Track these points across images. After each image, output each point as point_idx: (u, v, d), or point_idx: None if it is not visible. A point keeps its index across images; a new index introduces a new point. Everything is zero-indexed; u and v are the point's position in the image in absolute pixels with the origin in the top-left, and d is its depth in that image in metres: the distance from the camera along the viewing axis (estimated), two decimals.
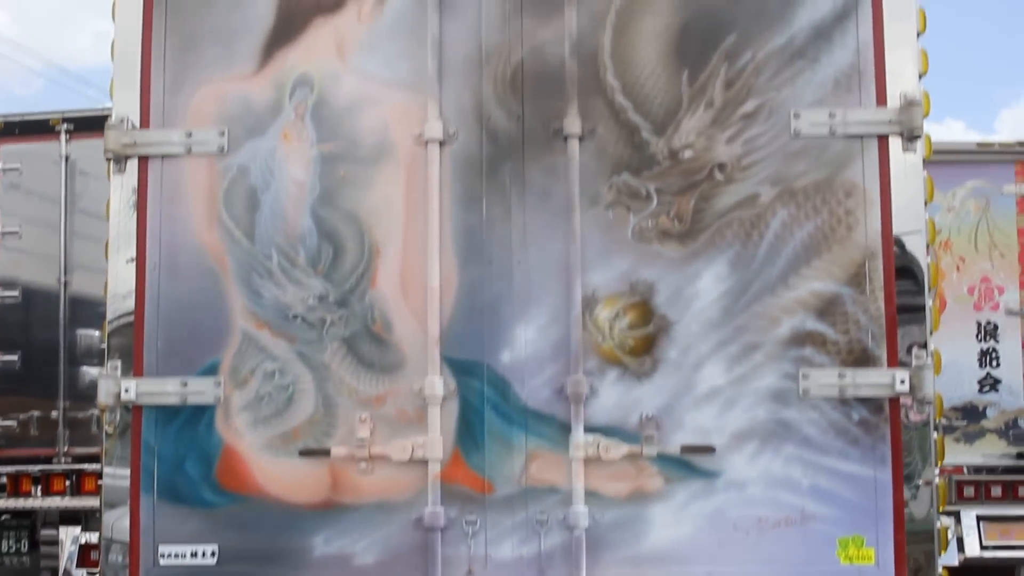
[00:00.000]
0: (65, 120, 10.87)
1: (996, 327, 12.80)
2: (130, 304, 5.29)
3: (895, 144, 5.02)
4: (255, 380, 5.24)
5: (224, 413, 5.23)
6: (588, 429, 5.02)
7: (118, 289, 5.32)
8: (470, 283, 5.14)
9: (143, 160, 5.32)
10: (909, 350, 4.98)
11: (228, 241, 5.28)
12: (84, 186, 10.98)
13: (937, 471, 4.99)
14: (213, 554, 5.15)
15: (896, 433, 4.93)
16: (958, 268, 12.82)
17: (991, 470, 12.81)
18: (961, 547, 12.74)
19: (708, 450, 4.97)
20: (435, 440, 5.06)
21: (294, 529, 5.16)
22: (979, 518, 12.55)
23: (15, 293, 10.90)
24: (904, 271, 5.02)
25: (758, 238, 5.04)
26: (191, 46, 5.38)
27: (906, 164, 5.03)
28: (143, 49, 5.37)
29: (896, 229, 5.00)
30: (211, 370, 5.26)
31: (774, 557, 4.93)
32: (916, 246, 5.04)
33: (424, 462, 5.08)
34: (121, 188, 5.33)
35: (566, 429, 5.03)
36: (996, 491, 12.64)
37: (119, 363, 5.24)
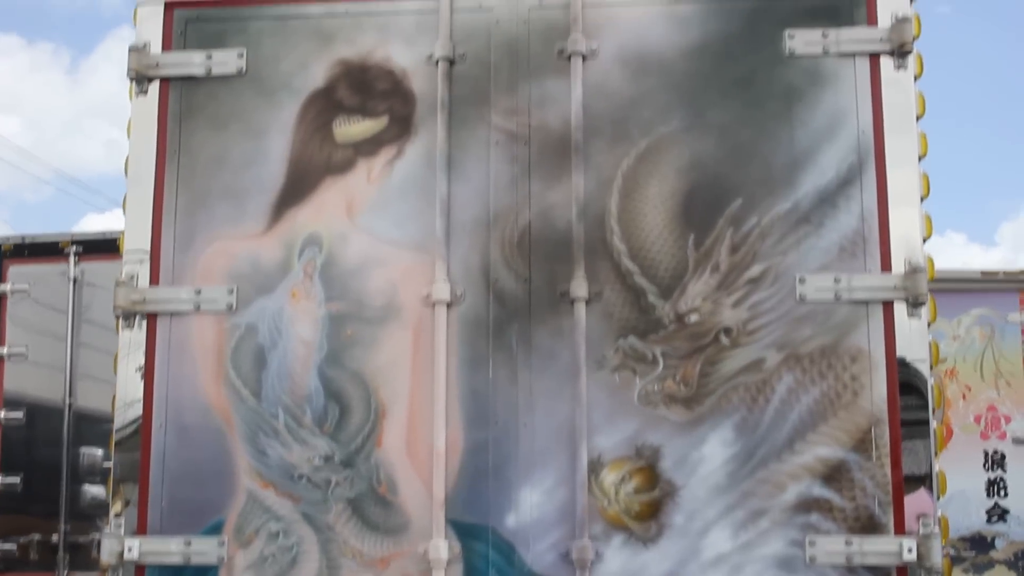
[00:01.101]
0: (74, 242, 10.92)
1: (1003, 456, 12.74)
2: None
3: (900, 310, 5.04)
4: (259, 540, 5.20)
5: (227, 573, 5.20)
6: None
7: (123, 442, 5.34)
8: (476, 445, 5.13)
9: (151, 317, 5.36)
10: (917, 517, 4.94)
11: (235, 399, 5.28)
12: (92, 297, 11.01)
13: None
14: None
15: None
16: (964, 396, 12.79)
17: None
18: None
19: None
20: None
21: None
22: None
23: (19, 414, 10.84)
24: (912, 438, 5.01)
25: (764, 403, 5.02)
26: (202, 203, 5.44)
27: (911, 330, 5.03)
28: (155, 205, 5.44)
29: (902, 395, 5.00)
30: (215, 529, 5.23)
31: None
32: (922, 411, 5.03)
33: None
34: (129, 345, 5.36)
35: None
36: None
37: (123, 521, 5.24)
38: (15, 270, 11.13)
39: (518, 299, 5.22)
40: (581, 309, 5.11)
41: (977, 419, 12.78)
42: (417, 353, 5.21)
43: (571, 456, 5.04)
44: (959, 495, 12.79)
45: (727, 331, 5.09)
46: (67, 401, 10.83)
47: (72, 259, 10.94)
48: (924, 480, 5.02)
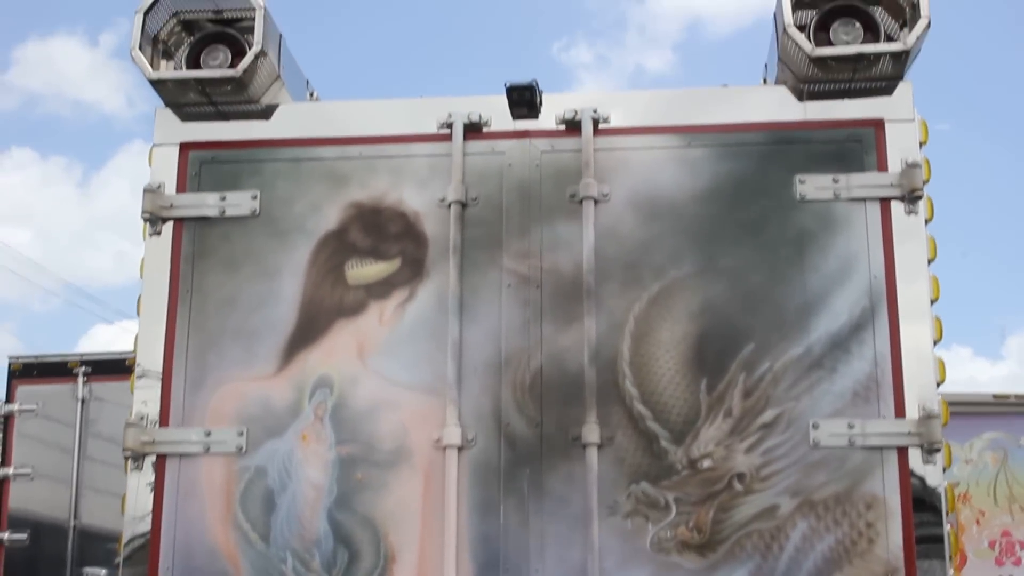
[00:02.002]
0: (83, 363, 10.97)
1: None
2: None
3: (915, 456, 5.01)
4: None
5: None
6: None
7: None
8: None
9: (161, 459, 5.33)
10: None
11: (243, 543, 5.24)
12: (99, 412, 11.03)
13: None
14: None
15: None
16: (978, 522, 12.71)
17: None
18: None
19: None
20: None
21: None
22: None
23: (23, 536, 10.83)
24: None
25: (779, 550, 4.98)
26: (213, 344, 5.45)
27: (926, 477, 4.99)
28: (166, 345, 5.44)
29: (917, 544, 4.94)
30: None
31: None
32: (937, 560, 4.97)
33: None
34: (138, 486, 5.33)
35: None
36: None
37: None
38: (24, 390, 11.22)
39: (530, 443, 5.19)
40: (593, 454, 5.08)
41: (992, 544, 12.69)
42: (427, 497, 5.18)
43: None
44: None
45: (740, 477, 5.05)
46: (72, 523, 10.81)
47: (81, 379, 11.00)
48: None
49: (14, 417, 11.01)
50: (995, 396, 12.99)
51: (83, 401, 10.86)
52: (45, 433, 11.00)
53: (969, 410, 12.77)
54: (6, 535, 10.81)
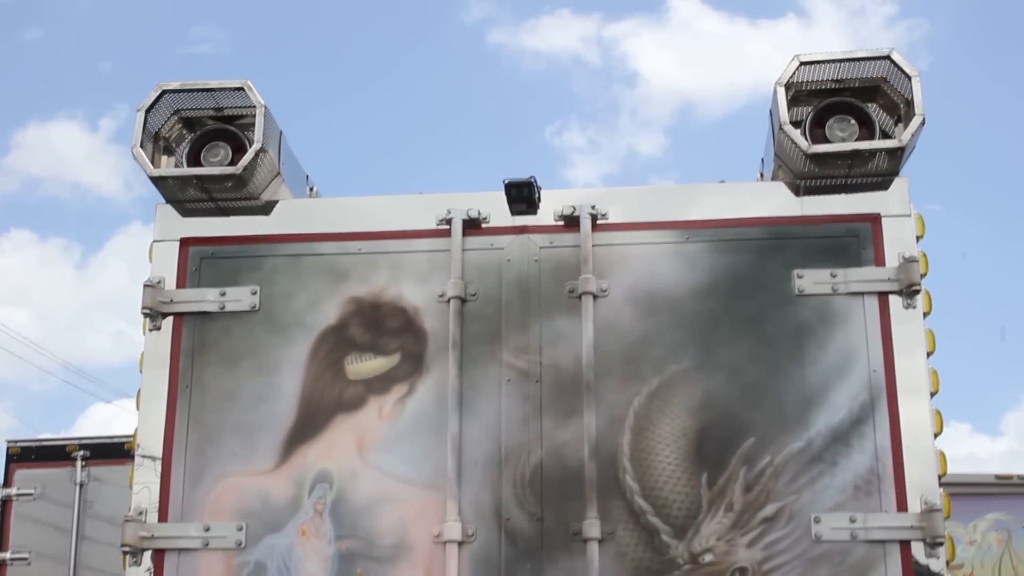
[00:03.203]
0: (82, 447, 10.96)
1: None
2: None
3: (918, 549, 4.96)
4: None
5: None
6: None
7: None
8: None
9: (159, 553, 5.28)
10: None
11: None
12: (97, 493, 11.00)
13: None
14: None
15: None
16: None
17: None
18: None
19: None
20: None
21: None
22: None
23: None
24: None
25: None
26: (212, 439, 5.40)
27: (930, 570, 4.94)
28: (165, 440, 5.40)
29: None
30: None
31: None
32: None
33: None
34: None
35: None
36: None
37: None
38: (22, 473, 11.23)
39: (530, 538, 5.13)
40: (594, 549, 5.02)
41: None
42: None
43: None
44: None
45: (743, 571, 5.00)
46: None
47: (79, 463, 11.00)
48: None
49: (11, 501, 10.98)
50: (997, 476, 13.00)
51: (81, 485, 10.85)
52: (43, 516, 10.97)
53: (972, 491, 12.77)
54: None
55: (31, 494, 10.96)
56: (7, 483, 11.07)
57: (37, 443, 11.32)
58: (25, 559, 10.84)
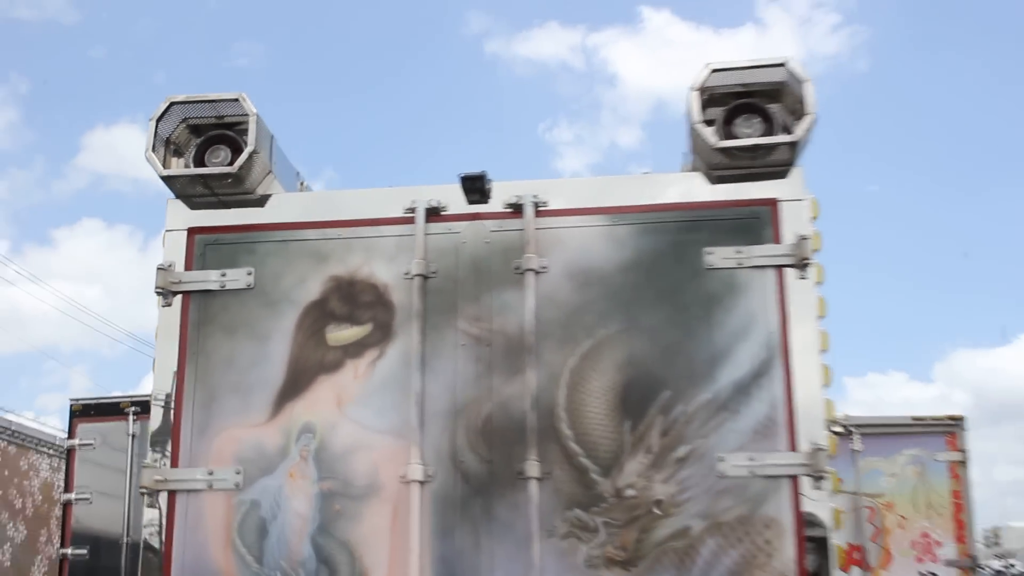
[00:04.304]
0: (133, 404, 11.03)
1: None
2: None
3: (806, 483, 5.01)
4: None
5: None
6: None
7: None
8: None
9: (172, 495, 5.35)
10: None
11: (240, 565, 5.24)
12: (146, 445, 11.07)
13: None
14: None
15: None
16: (901, 526, 12.68)
17: None
18: None
19: None
20: None
21: None
22: None
23: (84, 551, 10.89)
24: None
25: (691, 565, 4.98)
26: (215, 398, 5.45)
27: (815, 500, 5.00)
28: (176, 398, 5.46)
29: (809, 556, 4.95)
30: None
31: None
32: (825, 571, 4.98)
33: None
34: (154, 519, 5.36)
35: None
36: None
37: None
38: (83, 427, 11.26)
39: (481, 478, 5.19)
40: (534, 486, 5.09)
41: (913, 545, 12.66)
42: (395, 525, 5.18)
43: None
44: None
45: (658, 503, 5.06)
46: (125, 539, 10.82)
47: (131, 418, 11.04)
48: None
49: (75, 451, 11.10)
50: (914, 418, 12.99)
51: (133, 436, 10.91)
52: (102, 462, 11.07)
53: (893, 431, 12.83)
54: (69, 551, 10.88)
55: (91, 444, 11.03)
56: (71, 435, 11.15)
57: (95, 401, 11.41)
58: (87, 498, 10.95)
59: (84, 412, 11.20)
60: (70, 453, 11.22)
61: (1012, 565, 16.91)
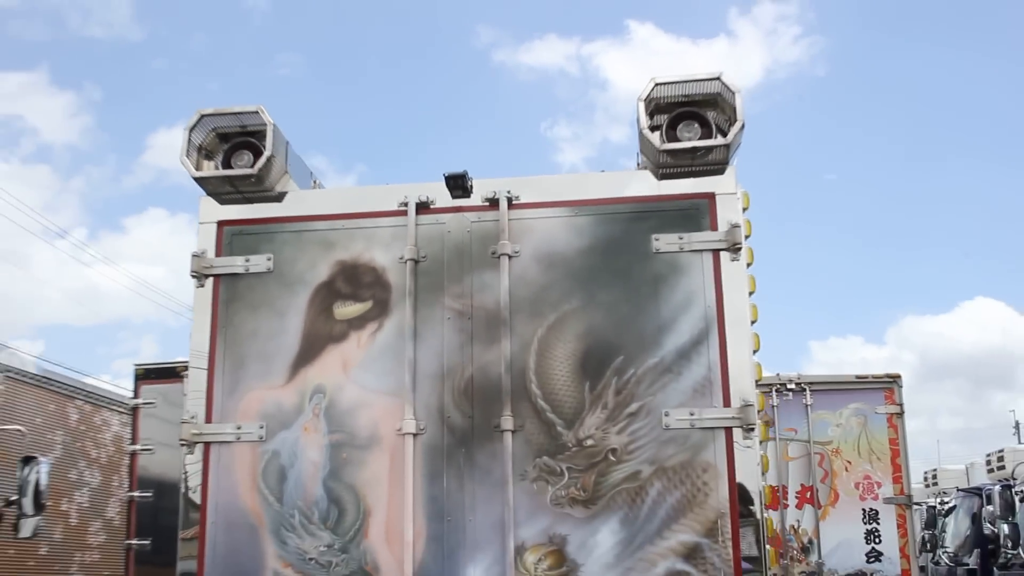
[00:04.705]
0: (187, 368, 11.09)
1: (877, 513, 12.71)
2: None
3: (737, 433, 5.08)
4: None
5: None
6: None
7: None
8: (434, 536, 5.17)
9: (207, 446, 5.46)
10: None
11: (264, 504, 5.34)
12: None
13: None
14: None
15: None
16: (846, 469, 12.78)
17: None
18: None
19: None
20: None
21: None
22: None
23: (149, 493, 11.02)
24: (747, 527, 5.01)
25: (640, 503, 5.06)
26: (241, 364, 5.53)
27: (745, 447, 5.07)
28: (209, 365, 5.55)
29: (741, 494, 5.03)
30: None
31: None
32: (756, 507, 5.04)
33: None
34: (192, 466, 5.49)
35: None
36: None
37: None
38: (146, 388, 11.34)
39: (464, 431, 5.27)
40: (509, 437, 5.18)
41: (856, 486, 12.78)
42: (392, 470, 5.27)
43: (502, 544, 5.10)
44: (845, 543, 12.71)
45: (613, 451, 5.13)
46: (180, 484, 10.91)
47: (185, 380, 11.09)
48: (756, 559, 5.01)
49: (139, 408, 11.23)
50: (857, 377, 13.08)
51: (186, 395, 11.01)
52: (163, 417, 11.17)
53: (840, 387, 12.92)
54: (136, 494, 11.04)
55: (152, 403, 11.15)
56: (136, 395, 11.27)
57: (156, 366, 11.51)
58: (151, 449, 11.07)
59: (147, 375, 11.28)
60: (135, 410, 11.29)
61: (946, 502, 17.07)
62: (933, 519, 17.35)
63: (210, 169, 5.76)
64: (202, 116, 5.70)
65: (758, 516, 5.04)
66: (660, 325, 5.25)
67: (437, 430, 5.30)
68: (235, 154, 5.79)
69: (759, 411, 5.18)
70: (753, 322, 5.31)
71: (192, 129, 5.69)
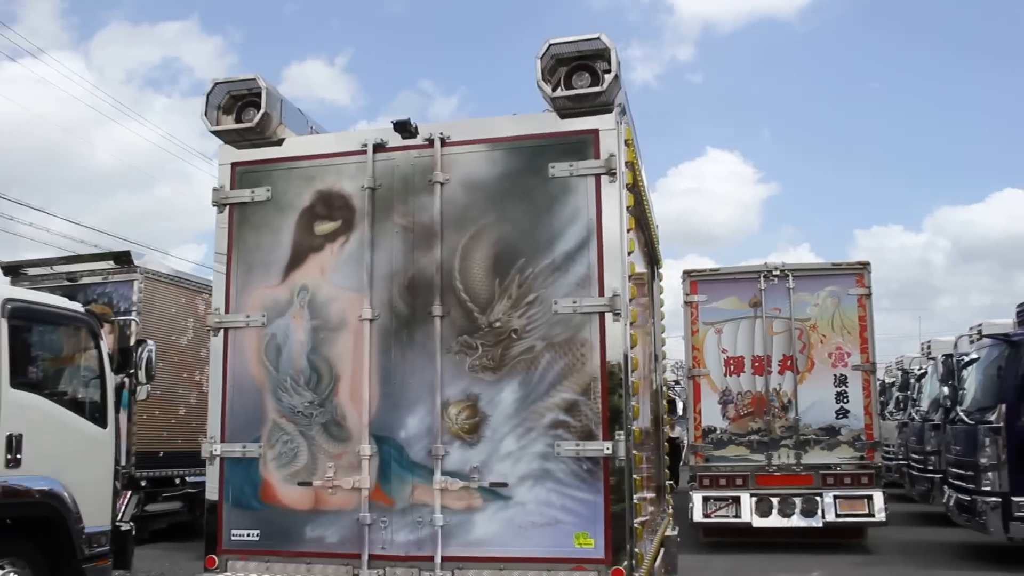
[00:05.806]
0: None
1: (846, 378, 13.17)
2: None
3: (608, 317, 5.54)
4: (278, 445, 5.98)
5: (263, 462, 6.04)
6: (443, 473, 5.56)
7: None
8: (385, 394, 5.82)
9: (226, 331, 6.19)
10: (613, 432, 5.43)
11: (266, 372, 6.07)
12: None
13: (633, 497, 5.38)
14: (256, 535, 6.02)
15: (606, 476, 5.32)
16: (821, 341, 13.20)
17: (843, 467, 13.08)
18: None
19: (505, 485, 5.48)
20: (366, 478, 5.68)
21: (297, 523, 5.83)
22: (835, 497, 12.81)
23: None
24: (613, 388, 5.47)
25: (535, 370, 5.58)
26: (249, 270, 6.19)
27: (614, 328, 5.51)
28: (227, 272, 6.23)
29: (608, 363, 5.49)
30: (256, 439, 6.06)
31: (540, 543, 5.36)
32: (622, 373, 5.49)
33: (360, 490, 5.70)
34: (215, 346, 6.22)
35: (432, 473, 5.57)
36: (847, 480, 12.92)
37: (214, 437, 6.13)
38: None
39: (407, 316, 5.85)
40: (438, 321, 5.76)
41: (829, 355, 13.24)
42: (356, 347, 5.89)
43: (432, 400, 5.71)
44: (819, 402, 13.23)
45: (515, 331, 5.64)
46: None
47: None
48: (619, 413, 5.44)
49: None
50: (832, 264, 13.35)
51: None
52: None
53: (817, 273, 13.29)
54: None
55: None
56: None
57: None
58: None
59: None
60: None
61: (906, 372, 17.22)
62: (906, 383, 17.53)
63: (229, 122, 6.35)
64: (216, 83, 6.33)
65: (623, 381, 5.48)
66: (553, 234, 5.56)
67: (387, 316, 5.77)
68: (244, 110, 6.35)
69: (631, 299, 5.62)
70: (630, 231, 5.73)
71: (210, 93, 6.29)
